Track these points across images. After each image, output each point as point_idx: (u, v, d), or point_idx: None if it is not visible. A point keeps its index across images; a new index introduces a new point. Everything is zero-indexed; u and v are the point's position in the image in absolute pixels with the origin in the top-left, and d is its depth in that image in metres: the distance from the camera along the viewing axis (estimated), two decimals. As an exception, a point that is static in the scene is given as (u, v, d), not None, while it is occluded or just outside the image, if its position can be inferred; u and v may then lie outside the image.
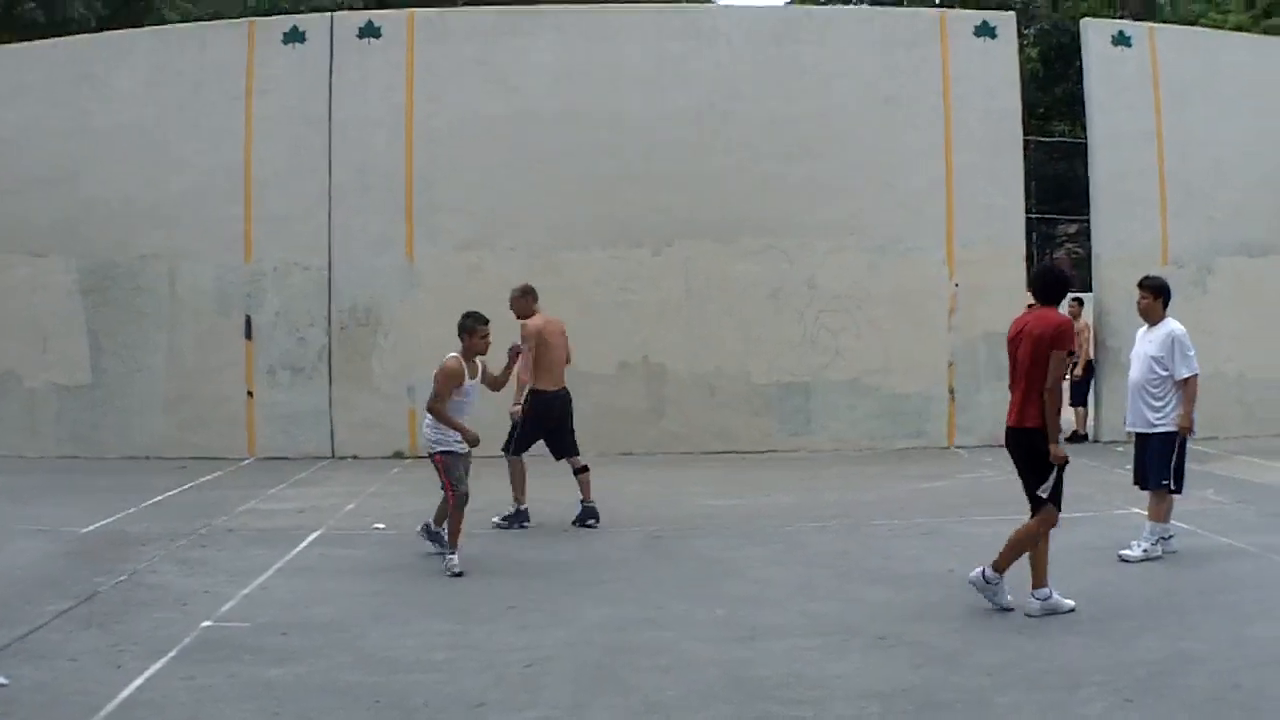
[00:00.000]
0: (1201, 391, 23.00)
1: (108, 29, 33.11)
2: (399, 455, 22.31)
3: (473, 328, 13.52)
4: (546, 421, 16.10)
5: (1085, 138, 25.33)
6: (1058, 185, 51.44)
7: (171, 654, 9.82)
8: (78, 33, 31.78)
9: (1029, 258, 28.05)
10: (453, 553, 13.01)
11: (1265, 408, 23.69)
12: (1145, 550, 13.07)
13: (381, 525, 15.76)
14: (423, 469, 19.44)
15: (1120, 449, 20.93)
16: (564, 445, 16.27)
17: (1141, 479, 13.62)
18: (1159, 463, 13.25)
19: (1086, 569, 12.58)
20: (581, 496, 15.93)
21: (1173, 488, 13.33)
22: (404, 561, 13.67)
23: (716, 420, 22.96)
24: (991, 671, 9.28)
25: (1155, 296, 13.73)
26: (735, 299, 23.12)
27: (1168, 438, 13.27)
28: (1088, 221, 26.12)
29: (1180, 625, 10.34)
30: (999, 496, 16.86)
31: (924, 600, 11.54)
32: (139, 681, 9.13)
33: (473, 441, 13.12)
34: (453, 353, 13.45)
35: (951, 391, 23.27)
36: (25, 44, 26.14)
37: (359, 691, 9.03)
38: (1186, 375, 13.34)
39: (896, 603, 11.47)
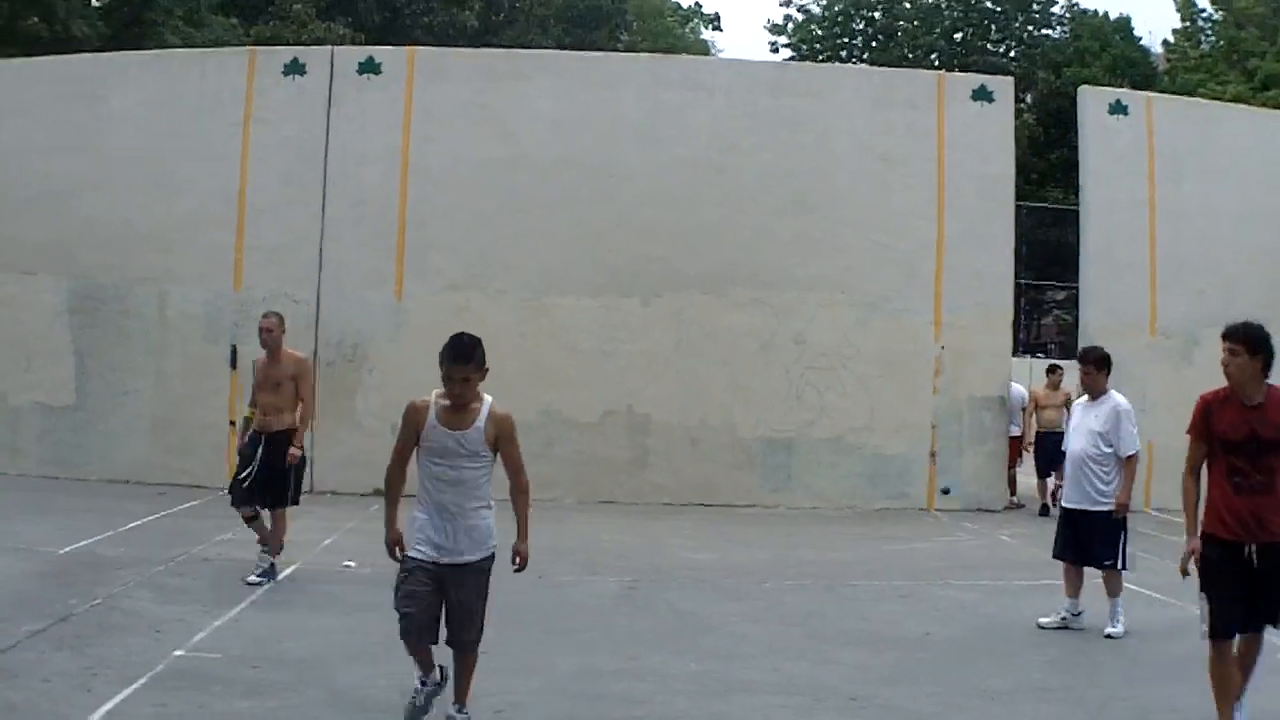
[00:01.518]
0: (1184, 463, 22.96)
1: (110, 48, 33.17)
2: (379, 493, 22.14)
3: (441, 365, 9.21)
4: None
5: (1078, 204, 25.40)
6: (1048, 251, 51.68)
7: (143, 680, 9.76)
8: (80, 50, 31.85)
9: (1016, 323, 28.13)
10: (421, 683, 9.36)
11: (1248, 481, 23.63)
12: (1121, 622, 12.96)
13: (351, 563, 15.66)
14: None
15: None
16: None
17: (1082, 556, 13.34)
18: (1108, 543, 13.07)
19: (1061, 638, 12.56)
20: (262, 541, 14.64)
21: (1123, 566, 13.20)
22: (379, 600, 13.54)
23: (699, 472, 22.93)
24: (963, 737, 9.27)
25: (1099, 369, 13.58)
26: (724, 351, 23.13)
27: (1111, 515, 13.04)
28: (1077, 288, 26.19)
29: (1153, 696, 10.33)
30: (977, 561, 16.90)
31: (899, 663, 11.50)
32: (109, 706, 9.08)
33: (388, 544, 9.41)
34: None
35: (933, 454, 23.26)
36: (26, 60, 26.20)
37: (329, 729, 9.00)
38: (1130, 453, 13.17)
39: (871, 664, 11.43)
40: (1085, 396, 13.65)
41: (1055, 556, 13.57)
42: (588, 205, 23.18)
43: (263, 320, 15.19)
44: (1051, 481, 22.99)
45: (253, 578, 14.07)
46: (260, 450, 14.44)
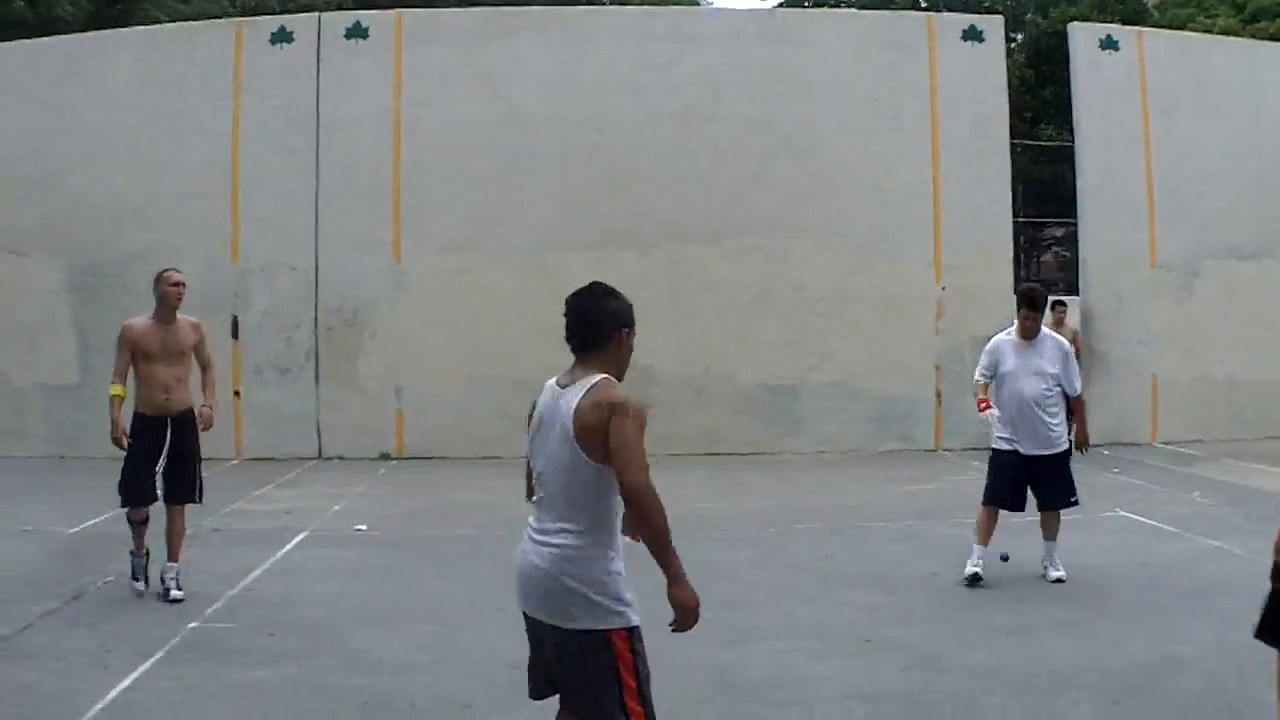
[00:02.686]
0: (1191, 395, 23.10)
1: (95, 28, 33.12)
2: (385, 456, 22.27)
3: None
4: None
5: (1073, 141, 25.37)
6: (1045, 189, 51.54)
7: (159, 655, 9.80)
8: (65, 31, 31.81)
9: (1016, 261, 28.09)
10: None
11: (1252, 410, 23.69)
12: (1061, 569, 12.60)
13: (363, 526, 15.71)
14: (410, 470, 19.52)
15: (1106, 451, 20.94)
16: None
17: (1020, 500, 12.86)
18: (1066, 481, 12.76)
19: (1073, 573, 12.56)
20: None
21: (1076, 500, 13.01)
22: (390, 563, 13.65)
23: (704, 422, 22.88)
24: (979, 674, 9.29)
25: (1042, 311, 13.30)
26: (722, 301, 23.08)
27: (1066, 454, 12.80)
28: (1075, 225, 26.16)
29: (1167, 629, 10.35)
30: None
31: (910, 603, 11.56)
32: (127, 682, 9.12)
33: (692, 606, 6.31)
34: None
35: (938, 395, 23.25)
36: (12, 43, 26.08)
37: (346, 693, 9.02)
38: (1079, 390, 13.02)
39: (882, 606, 11.47)
40: (1012, 334, 12.99)
41: (992, 503, 12.87)
42: (580, 160, 23.10)
43: (174, 274, 12.73)
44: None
45: (175, 593, 11.86)
46: (169, 434, 12.28)
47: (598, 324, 6.23)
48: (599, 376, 6.10)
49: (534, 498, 6.32)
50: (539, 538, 6.16)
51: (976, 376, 13.30)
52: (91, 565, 13.18)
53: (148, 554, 12.25)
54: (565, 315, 6.28)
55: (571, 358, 6.26)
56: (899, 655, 9.81)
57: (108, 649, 9.98)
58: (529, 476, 6.45)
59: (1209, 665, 9.34)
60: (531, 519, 6.27)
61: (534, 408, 6.38)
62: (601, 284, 6.33)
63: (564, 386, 6.17)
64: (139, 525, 12.19)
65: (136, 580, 12.09)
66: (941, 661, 9.63)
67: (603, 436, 5.97)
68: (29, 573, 12.95)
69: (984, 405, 13.14)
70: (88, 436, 22.58)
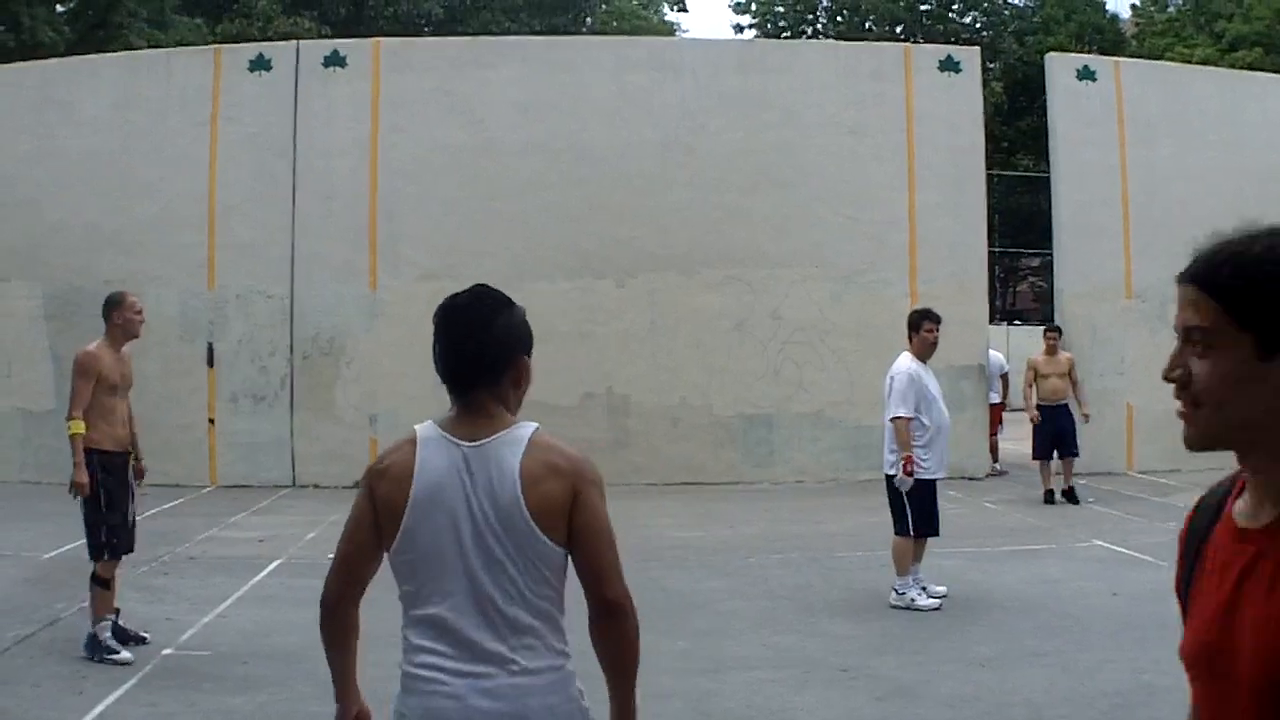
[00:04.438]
0: (1166, 425, 22.92)
1: (76, 53, 33.08)
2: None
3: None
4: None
5: (1049, 171, 25.44)
6: (1021, 218, 51.68)
7: (133, 681, 9.76)
8: (46, 57, 31.75)
9: (991, 291, 28.13)
10: None
11: (1227, 441, 23.68)
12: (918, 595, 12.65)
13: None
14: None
15: (1083, 481, 20.96)
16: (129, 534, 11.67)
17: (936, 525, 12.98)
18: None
19: (1049, 602, 12.58)
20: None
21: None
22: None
23: (680, 452, 22.89)
24: (954, 704, 9.28)
25: None
26: (699, 330, 23.11)
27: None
28: (1051, 255, 26.22)
29: (1144, 658, 10.33)
30: (959, 529, 16.89)
31: (886, 632, 11.54)
32: (100, 708, 9.07)
33: None
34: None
35: (914, 424, 23.26)
36: (-10, 70, 26.08)
37: (320, 721, 9.00)
38: None
39: (859, 635, 11.47)
40: (913, 361, 13.27)
41: (934, 534, 12.99)
42: (558, 189, 23.13)
43: (135, 300, 11.91)
44: (1055, 464, 20.76)
45: (144, 633, 11.22)
46: (130, 475, 11.99)
47: (498, 346, 4.55)
48: (527, 425, 4.58)
49: (415, 610, 4.70)
50: (477, 668, 4.40)
51: (906, 414, 12.79)
52: (67, 591, 13.13)
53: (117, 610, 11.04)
54: (443, 335, 4.55)
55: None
56: (875, 685, 9.80)
57: (82, 675, 9.94)
58: (347, 567, 4.94)
59: (1184, 694, 9.29)
60: (429, 643, 4.60)
61: (375, 474, 4.87)
62: (490, 289, 4.62)
63: (472, 442, 4.48)
64: (110, 581, 11.03)
65: (116, 652, 10.49)
66: (917, 691, 9.62)
67: (564, 515, 4.42)
68: (4, 598, 12.94)
69: (910, 466, 12.65)
70: (64, 462, 22.38)
